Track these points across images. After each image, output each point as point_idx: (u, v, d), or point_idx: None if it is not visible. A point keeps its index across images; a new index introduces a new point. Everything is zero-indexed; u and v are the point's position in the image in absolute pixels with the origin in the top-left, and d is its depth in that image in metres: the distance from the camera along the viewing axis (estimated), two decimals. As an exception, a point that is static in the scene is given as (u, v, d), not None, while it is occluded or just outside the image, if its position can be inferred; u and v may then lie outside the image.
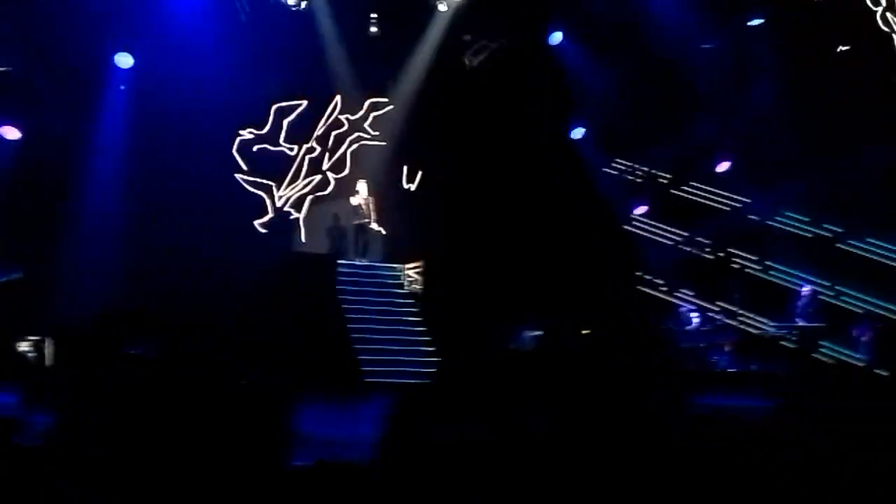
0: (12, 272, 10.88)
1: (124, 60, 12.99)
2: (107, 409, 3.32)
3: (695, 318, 13.39)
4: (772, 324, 13.32)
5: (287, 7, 14.15)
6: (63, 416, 3.42)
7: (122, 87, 13.12)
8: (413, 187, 15.21)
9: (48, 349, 9.91)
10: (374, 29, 14.77)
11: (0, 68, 12.17)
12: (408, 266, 14.27)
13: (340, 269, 13.40)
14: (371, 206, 14.22)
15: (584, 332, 10.38)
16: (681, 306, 13.84)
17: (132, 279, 12.16)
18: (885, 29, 14.01)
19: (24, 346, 10.12)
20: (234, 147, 14.21)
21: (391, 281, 13.89)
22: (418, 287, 13.94)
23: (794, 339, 12.72)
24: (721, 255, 15.04)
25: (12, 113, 12.30)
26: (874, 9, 14.00)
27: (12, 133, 12.38)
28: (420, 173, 15.20)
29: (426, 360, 12.08)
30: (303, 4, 14.19)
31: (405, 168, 15.20)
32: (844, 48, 13.96)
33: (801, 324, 12.82)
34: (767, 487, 2.67)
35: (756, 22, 14.40)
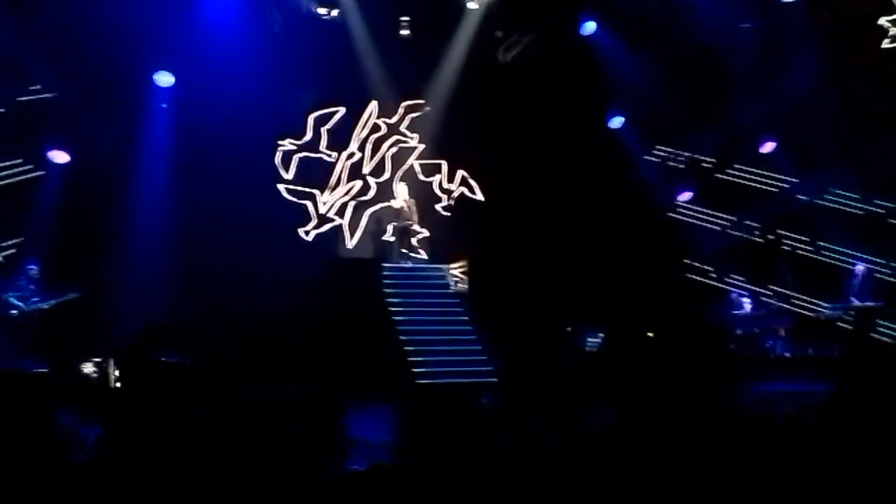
0: (68, 292, 11.16)
1: (165, 79, 13.22)
2: (155, 420, 3.38)
3: (747, 304, 13.18)
4: (826, 305, 13.04)
5: (318, 16, 14.28)
6: (109, 429, 3.49)
7: (164, 106, 13.36)
8: (453, 187, 15.23)
9: (111, 370, 10.13)
10: (405, 32, 14.82)
11: (44, 94, 12.47)
12: (452, 266, 14.28)
13: (385, 273, 13.47)
14: (413, 208, 14.28)
15: (648, 334, 10.28)
16: (732, 292, 13.65)
17: (182, 294, 12.38)
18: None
19: (88, 368, 10.36)
20: (276, 158, 14.39)
21: (437, 282, 13.91)
22: (464, 287, 13.94)
23: (850, 319, 12.46)
24: (771, 237, 14.79)
25: (60, 137, 12.60)
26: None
27: (61, 157, 12.69)
28: (460, 172, 15.21)
29: (476, 360, 12.08)
30: (334, 13, 14.31)
31: (445, 168, 15.23)
32: (888, 19, 13.61)
33: (856, 303, 12.54)
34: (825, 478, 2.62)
35: (792, -1, 14.10)
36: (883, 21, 13.62)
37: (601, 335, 12.39)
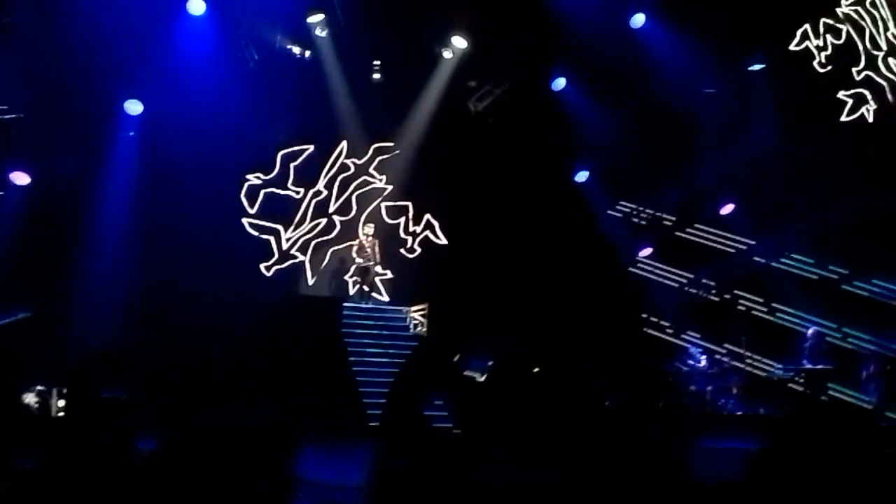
0: (19, 312, 10.92)
1: (134, 107, 13.19)
2: (90, 452, 3.33)
3: (703, 359, 13.35)
4: (778, 366, 13.25)
5: (293, 55, 14.41)
6: (44, 462, 3.43)
7: (132, 134, 13.30)
8: (418, 230, 15.30)
9: (53, 400, 9.91)
10: (378, 76, 15.01)
11: (10, 115, 12.36)
12: (413, 308, 14.29)
13: (346, 312, 13.42)
14: (376, 248, 14.31)
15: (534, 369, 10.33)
16: (689, 346, 13.81)
17: (138, 321, 12.21)
18: (887, 74, 14.18)
19: (30, 398, 10.12)
20: (242, 191, 14.37)
21: (396, 324, 13.89)
22: (423, 330, 13.93)
23: (801, 381, 12.66)
24: (727, 297, 15.03)
25: (22, 158, 12.46)
26: (875, 53, 14.19)
27: (22, 178, 12.54)
28: (425, 217, 15.31)
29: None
30: (307, 53, 14.45)
31: (411, 211, 15.32)
32: (846, 93, 14.09)
33: (808, 366, 12.75)
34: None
35: (757, 67, 14.56)
36: (841, 94, 14.10)
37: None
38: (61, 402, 9.80)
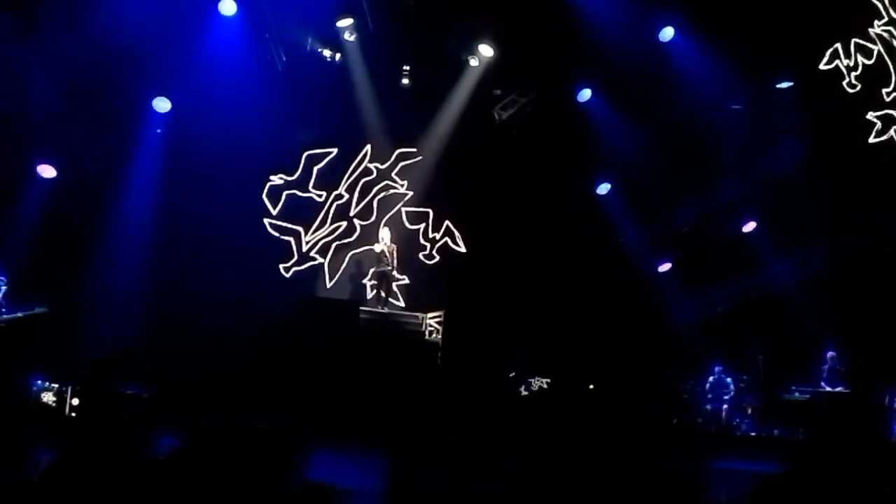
0: (36, 307, 11.01)
1: (162, 105, 13.33)
2: (105, 447, 3.36)
3: (728, 381, 13.24)
4: (796, 388, 13.14)
5: (322, 58, 14.49)
6: (62, 453, 3.47)
7: (159, 131, 13.43)
8: (438, 237, 15.31)
9: (69, 397, 10.00)
10: (405, 81, 15.06)
11: (40, 107, 12.50)
12: (429, 315, 14.30)
13: (362, 316, 13.44)
14: (394, 253, 14.33)
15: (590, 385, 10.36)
16: (715, 369, 13.61)
17: (157, 319, 12.31)
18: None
19: (47, 396, 10.22)
20: (264, 192, 14.45)
21: (412, 329, 13.89)
22: (439, 337, 13.94)
23: (818, 404, 12.54)
24: (746, 315, 14.90)
25: (50, 152, 12.62)
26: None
27: (48, 171, 12.70)
28: (446, 222, 15.31)
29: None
30: (338, 56, 14.53)
31: (431, 217, 15.33)
32: (875, 114, 13.97)
33: (826, 388, 12.64)
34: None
35: (785, 85, 14.47)
36: (870, 116, 13.97)
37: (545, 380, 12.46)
38: (76, 401, 9.89)
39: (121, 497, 3.22)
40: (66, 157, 12.69)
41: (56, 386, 10.25)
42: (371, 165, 15.19)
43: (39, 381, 10.36)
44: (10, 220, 12.33)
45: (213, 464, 3.22)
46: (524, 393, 12.56)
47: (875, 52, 14.04)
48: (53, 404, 10.09)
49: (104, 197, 13.02)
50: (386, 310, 14.21)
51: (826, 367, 13.09)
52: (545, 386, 12.44)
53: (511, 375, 13.07)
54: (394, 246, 14.40)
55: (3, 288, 11.10)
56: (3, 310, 10.94)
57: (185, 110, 13.36)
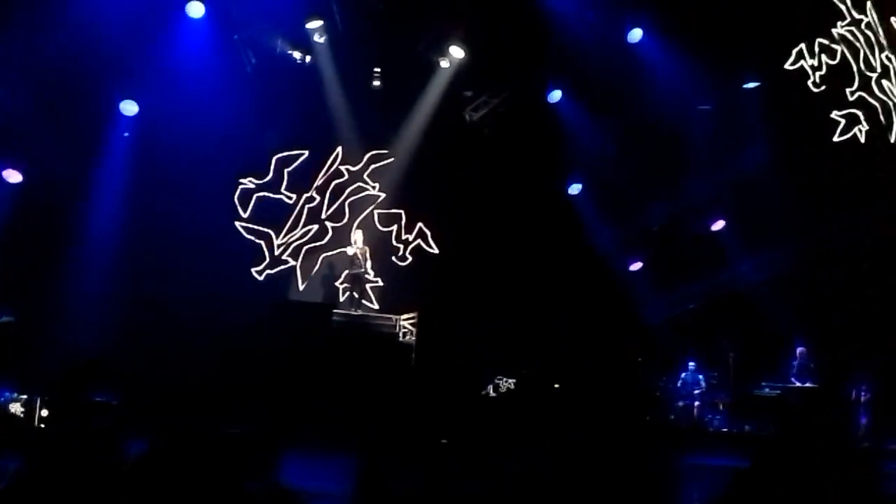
0: (3, 315, 10.84)
1: (129, 108, 13.19)
2: (72, 455, 3.32)
3: (700, 378, 13.36)
4: (766, 384, 13.30)
5: (292, 60, 14.43)
6: (29, 461, 3.43)
7: (126, 134, 13.29)
8: (410, 238, 15.31)
9: (37, 407, 9.87)
10: (376, 83, 15.04)
11: (4, 111, 12.32)
12: (403, 317, 14.29)
13: (335, 319, 13.40)
14: (366, 255, 14.30)
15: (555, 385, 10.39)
16: (688, 366, 13.73)
17: (127, 325, 12.16)
18: (880, 95, 14.29)
19: (15, 407, 10.07)
20: (235, 195, 14.36)
21: (385, 331, 13.87)
22: (412, 338, 13.93)
23: (788, 399, 12.70)
24: (716, 313, 15.06)
25: (15, 156, 12.43)
26: (869, 74, 14.30)
27: (14, 176, 12.50)
28: (418, 225, 15.31)
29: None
30: (307, 58, 14.47)
31: (404, 218, 15.32)
32: (840, 113, 14.18)
33: (796, 384, 12.80)
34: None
35: (752, 85, 14.65)
36: (835, 114, 14.19)
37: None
38: (45, 412, 9.76)
39: (87, 502, 3.18)
40: (32, 162, 12.50)
41: (24, 397, 10.10)
42: (342, 168, 15.15)
43: (7, 392, 10.22)
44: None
45: (180, 467, 3.19)
46: (492, 394, 12.60)
47: (839, 53, 14.27)
48: (22, 415, 9.94)
49: (71, 202, 12.84)
50: (359, 312, 14.18)
51: (796, 363, 13.27)
52: (511, 387, 12.47)
53: (485, 386, 13.08)
54: (366, 248, 14.37)
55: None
56: None
57: (154, 113, 13.22)
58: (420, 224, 15.30)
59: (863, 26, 14.37)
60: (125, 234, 12.90)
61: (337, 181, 15.13)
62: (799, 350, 13.34)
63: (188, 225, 13.14)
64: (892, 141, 14.18)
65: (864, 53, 14.32)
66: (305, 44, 14.42)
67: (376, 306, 14.72)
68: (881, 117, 14.19)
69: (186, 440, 3.53)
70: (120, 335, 11.85)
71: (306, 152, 14.86)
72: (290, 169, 14.77)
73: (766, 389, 13.17)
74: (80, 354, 10.54)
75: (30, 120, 12.28)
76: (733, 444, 10.93)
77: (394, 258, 15.16)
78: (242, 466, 3.58)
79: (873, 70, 14.32)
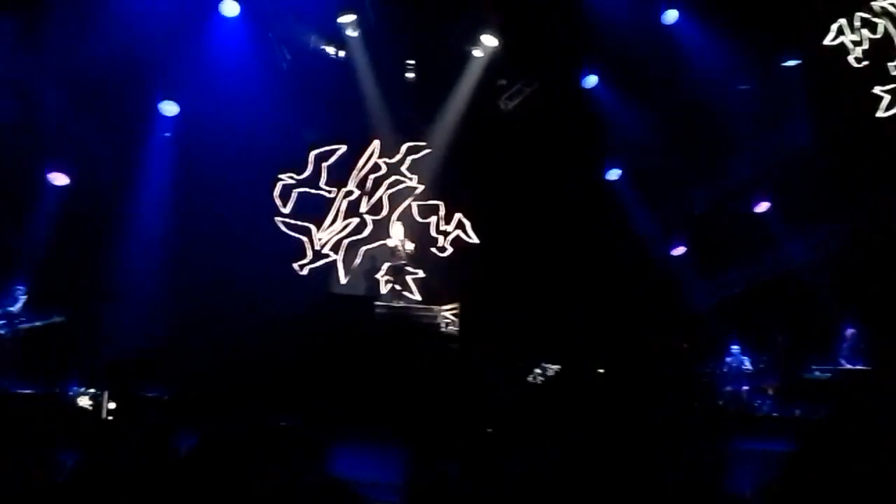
0: (54, 315, 11.12)
1: (169, 108, 13.39)
2: (132, 450, 3.39)
3: (746, 360, 13.20)
4: (816, 367, 13.06)
5: (326, 55, 14.50)
6: (87, 455, 3.51)
7: (167, 135, 13.49)
8: (449, 229, 15.31)
9: (104, 401, 10.09)
10: (410, 75, 15.04)
11: (49, 116, 12.58)
12: (444, 307, 14.31)
13: (378, 311, 13.47)
14: (407, 247, 14.34)
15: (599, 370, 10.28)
16: (732, 349, 13.57)
17: (173, 322, 12.36)
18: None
19: (84, 401, 10.34)
20: (275, 191, 14.49)
21: (427, 322, 13.90)
22: (455, 329, 13.95)
23: (839, 382, 12.47)
24: (763, 296, 14.83)
25: (61, 159, 12.70)
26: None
27: (61, 179, 12.78)
28: (457, 215, 15.31)
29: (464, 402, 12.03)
30: (341, 53, 14.54)
31: (442, 210, 15.32)
32: (883, 89, 13.86)
33: (846, 366, 12.56)
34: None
35: (791, 63, 14.37)
36: (878, 90, 13.86)
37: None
38: (112, 405, 9.98)
39: (141, 497, 3.25)
40: (77, 165, 12.76)
41: (92, 390, 10.37)
42: (380, 161, 15.19)
43: (75, 387, 10.50)
44: (26, 230, 12.42)
45: (231, 462, 3.24)
46: (538, 381, 12.55)
47: (881, 27, 13.92)
48: (90, 408, 10.20)
49: (116, 202, 13.09)
50: (401, 304, 14.23)
51: (845, 344, 13.01)
52: (554, 373, 12.41)
53: (530, 373, 13.03)
54: (407, 240, 14.41)
55: (23, 297, 11.20)
56: (23, 319, 11.06)
57: (193, 113, 13.41)
58: (459, 214, 15.29)
59: (904, -2, 14.01)
60: (169, 234, 13.12)
61: (375, 174, 15.19)
62: (849, 331, 13.07)
63: (230, 222, 13.32)
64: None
65: (907, 26, 13.96)
66: (339, 38, 14.49)
67: (418, 297, 14.76)
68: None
69: (236, 434, 3.58)
70: (167, 332, 12.06)
71: (344, 147, 14.93)
72: (328, 163, 14.86)
73: (816, 372, 12.94)
74: (129, 350, 10.80)
75: (74, 123, 12.53)
76: (783, 429, 10.76)
77: (434, 249, 15.18)
78: (293, 459, 3.62)
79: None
